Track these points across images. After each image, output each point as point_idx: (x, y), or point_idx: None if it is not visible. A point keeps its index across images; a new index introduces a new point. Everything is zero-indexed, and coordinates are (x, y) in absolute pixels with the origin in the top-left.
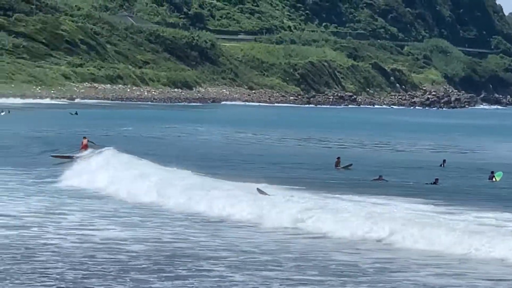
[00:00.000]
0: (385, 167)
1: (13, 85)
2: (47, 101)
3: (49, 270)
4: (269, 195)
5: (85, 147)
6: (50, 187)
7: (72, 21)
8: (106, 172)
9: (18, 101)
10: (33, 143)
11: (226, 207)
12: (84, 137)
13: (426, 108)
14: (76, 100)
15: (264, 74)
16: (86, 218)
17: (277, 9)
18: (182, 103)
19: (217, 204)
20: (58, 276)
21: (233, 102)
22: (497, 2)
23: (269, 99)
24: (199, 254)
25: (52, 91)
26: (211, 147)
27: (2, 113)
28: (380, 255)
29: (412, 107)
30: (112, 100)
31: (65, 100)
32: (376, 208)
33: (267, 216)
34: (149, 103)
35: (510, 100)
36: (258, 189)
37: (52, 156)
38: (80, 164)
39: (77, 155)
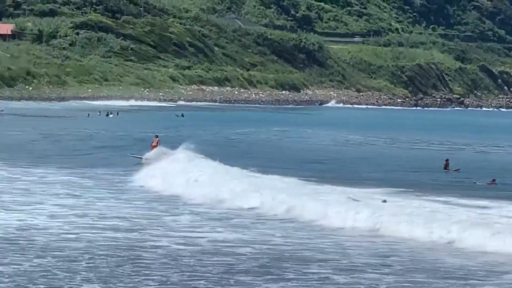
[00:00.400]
0: (495, 169)
1: (121, 87)
2: (154, 103)
3: (154, 272)
4: (360, 201)
5: (155, 146)
6: (156, 189)
7: (180, 24)
8: (203, 177)
9: (125, 103)
10: (140, 144)
11: (332, 212)
12: (156, 136)
13: None
14: (182, 102)
15: (371, 77)
16: (195, 221)
17: (385, 12)
18: (289, 106)
19: (322, 210)
20: (163, 278)
21: (339, 105)
22: None
23: (376, 101)
24: (307, 257)
25: (160, 94)
26: (317, 150)
27: (111, 115)
28: (488, 258)
29: None
30: (220, 102)
31: (172, 102)
32: (484, 211)
33: (371, 221)
34: (257, 105)
35: None
36: (349, 197)
37: (130, 155)
38: (171, 167)
39: (145, 156)
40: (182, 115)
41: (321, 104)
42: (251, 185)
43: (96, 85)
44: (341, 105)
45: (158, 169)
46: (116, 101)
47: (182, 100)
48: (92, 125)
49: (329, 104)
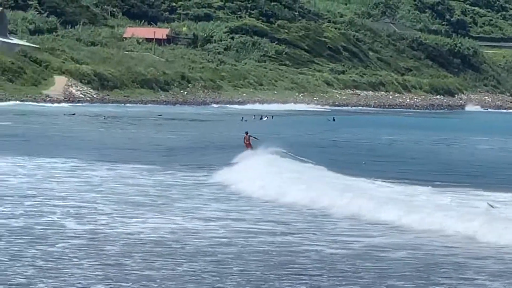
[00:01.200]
0: None
1: (275, 92)
2: (308, 107)
3: (306, 277)
4: (498, 207)
5: (248, 144)
6: (310, 194)
7: (335, 28)
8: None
9: (280, 107)
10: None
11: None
12: (246, 133)
13: None
14: (336, 107)
15: None
16: (352, 225)
17: None
18: (442, 110)
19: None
20: (314, 283)
21: (490, 110)
22: None
23: None
24: (462, 263)
25: (314, 98)
26: (472, 156)
27: (265, 119)
28: None
29: None
30: (374, 107)
31: (326, 106)
32: None
33: None
34: (411, 110)
35: None
36: (488, 204)
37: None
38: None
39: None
40: (334, 119)
41: (471, 108)
42: (400, 195)
43: (251, 89)
44: (491, 110)
45: (306, 176)
46: (271, 105)
47: (336, 104)
48: (247, 128)
49: (481, 109)
